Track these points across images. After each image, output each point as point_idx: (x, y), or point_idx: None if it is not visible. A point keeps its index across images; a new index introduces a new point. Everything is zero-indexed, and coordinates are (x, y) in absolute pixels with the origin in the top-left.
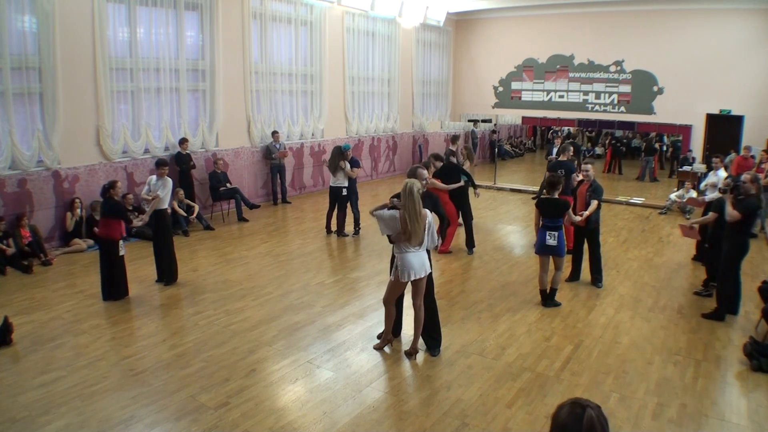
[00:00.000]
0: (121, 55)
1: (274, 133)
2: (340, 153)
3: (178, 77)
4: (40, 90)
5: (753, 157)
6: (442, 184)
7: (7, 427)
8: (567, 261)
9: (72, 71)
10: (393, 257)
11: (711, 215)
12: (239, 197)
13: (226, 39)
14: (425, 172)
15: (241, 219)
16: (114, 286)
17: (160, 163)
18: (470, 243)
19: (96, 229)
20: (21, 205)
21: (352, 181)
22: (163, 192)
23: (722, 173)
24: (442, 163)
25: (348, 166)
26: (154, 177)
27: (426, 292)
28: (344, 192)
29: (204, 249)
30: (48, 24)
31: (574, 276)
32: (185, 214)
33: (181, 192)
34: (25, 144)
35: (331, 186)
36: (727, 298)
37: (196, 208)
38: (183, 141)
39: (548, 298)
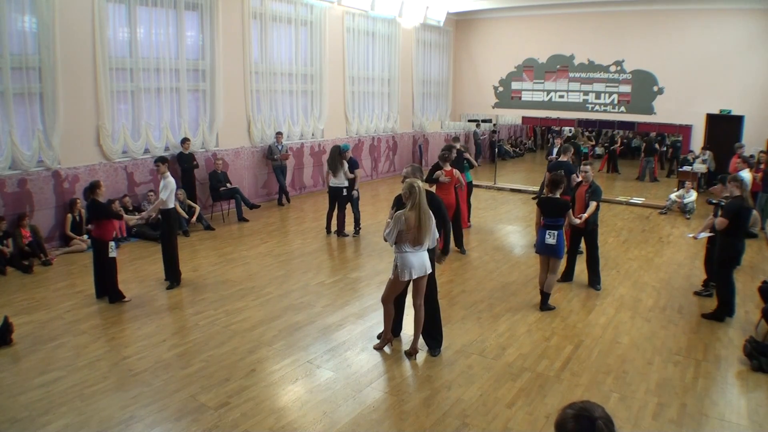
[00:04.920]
0: (121, 55)
1: (278, 134)
2: (339, 153)
3: (178, 77)
4: (40, 90)
5: (752, 156)
6: (445, 178)
7: (7, 427)
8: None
9: (72, 71)
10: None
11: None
12: (239, 197)
13: (226, 39)
14: (409, 170)
15: (241, 219)
16: (104, 288)
17: (156, 161)
18: (459, 243)
19: (90, 228)
20: (21, 205)
21: (353, 181)
22: (165, 193)
23: (746, 174)
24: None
25: (346, 166)
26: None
27: (428, 292)
28: (344, 192)
29: (204, 249)
30: (48, 24)
31: (568, 276)
32: (186, 216)
33: (182, 193)
34: (25, 144)
35: (330, 186)
36: (725, 301)
37: (197, 210)
38: (185, 140)
39: (541, 302)
